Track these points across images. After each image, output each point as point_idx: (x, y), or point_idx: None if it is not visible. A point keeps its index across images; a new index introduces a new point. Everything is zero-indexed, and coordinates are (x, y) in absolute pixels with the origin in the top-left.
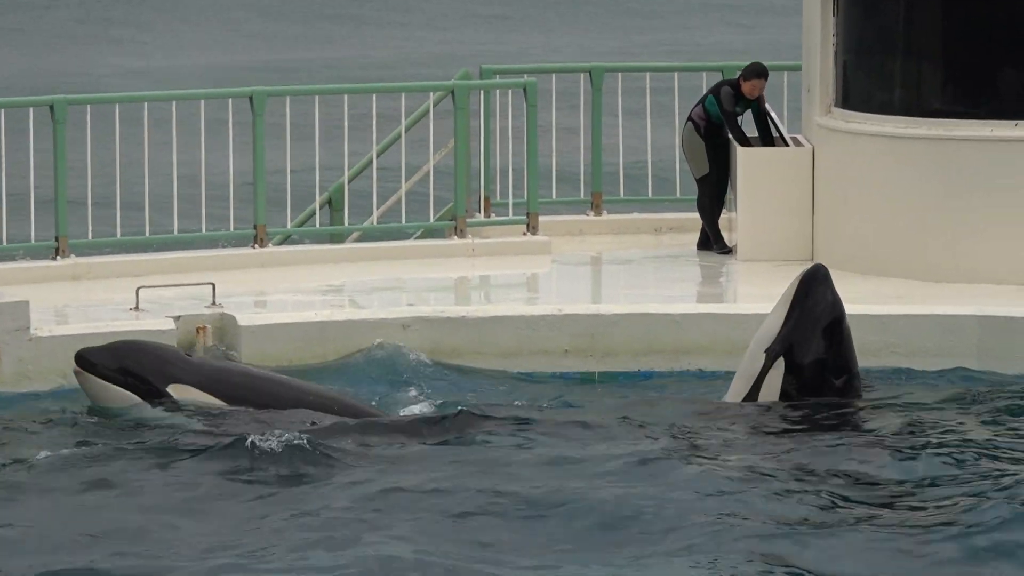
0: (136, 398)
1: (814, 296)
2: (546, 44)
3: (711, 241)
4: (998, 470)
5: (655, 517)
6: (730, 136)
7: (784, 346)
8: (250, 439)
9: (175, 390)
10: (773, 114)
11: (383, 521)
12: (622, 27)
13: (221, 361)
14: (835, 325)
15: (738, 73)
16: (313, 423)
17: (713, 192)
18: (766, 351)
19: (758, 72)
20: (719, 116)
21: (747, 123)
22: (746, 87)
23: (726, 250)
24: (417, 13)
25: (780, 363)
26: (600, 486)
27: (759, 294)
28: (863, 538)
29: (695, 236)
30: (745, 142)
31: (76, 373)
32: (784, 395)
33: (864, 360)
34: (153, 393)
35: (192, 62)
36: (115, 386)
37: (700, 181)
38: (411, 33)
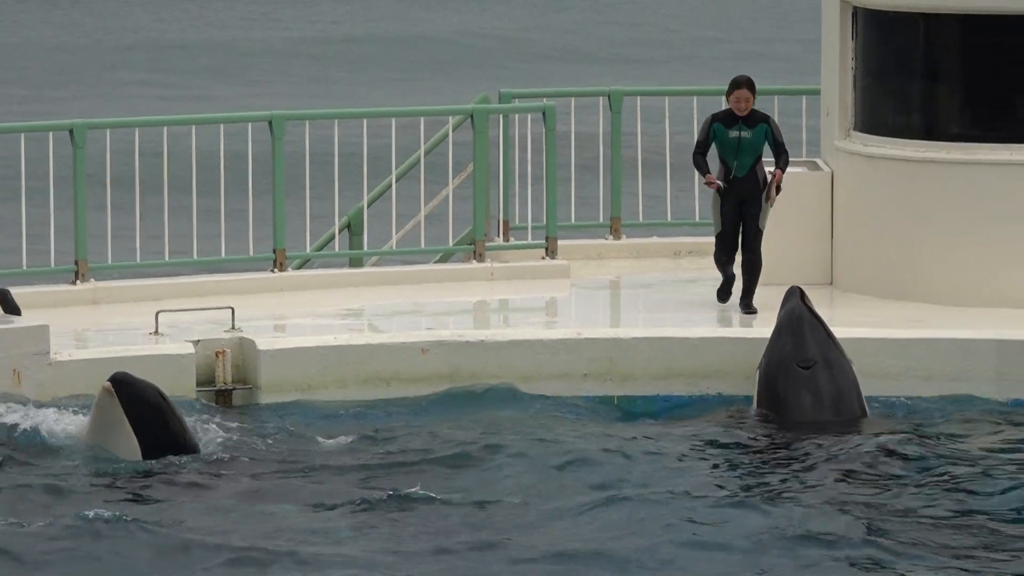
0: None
1: (782, 311)
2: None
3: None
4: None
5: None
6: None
7: (763, 359)
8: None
9: None
10: (779, 135)
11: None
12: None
13: None
14: (795, 325)
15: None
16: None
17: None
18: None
19: (734, 83)
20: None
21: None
22: (731, 103)
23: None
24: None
25: (757, 373)
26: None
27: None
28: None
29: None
30: (701, 172)
31: (106, 392)
32: (759, 397)
33: (882, 384)
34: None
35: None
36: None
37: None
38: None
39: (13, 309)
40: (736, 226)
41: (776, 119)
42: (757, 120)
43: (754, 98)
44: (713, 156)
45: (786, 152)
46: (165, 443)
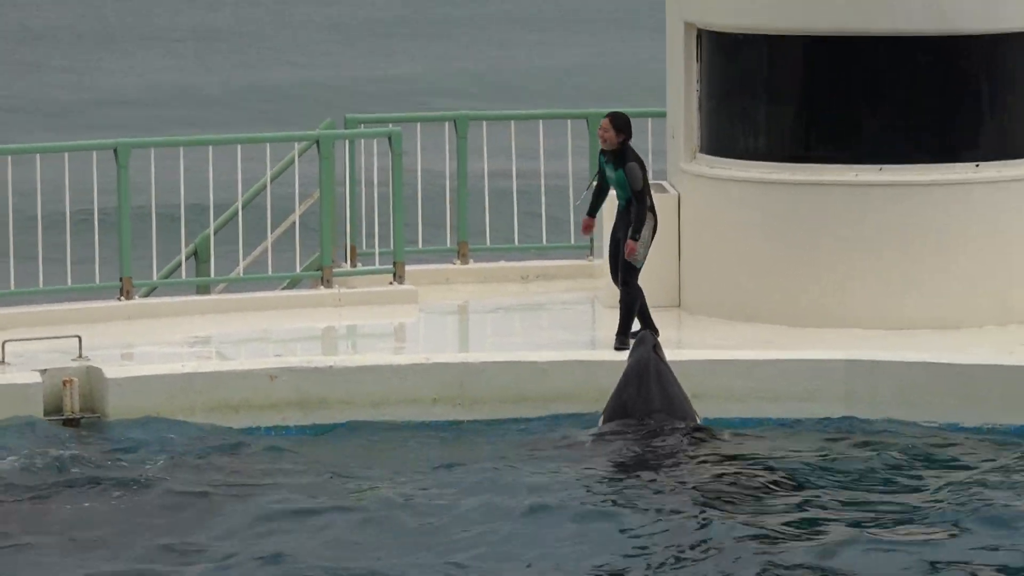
0: None
1: (632, 358)
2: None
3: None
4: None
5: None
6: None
7: (607, 407)
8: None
9: None
10: (634, 184)
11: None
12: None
13: None
14: (643, 376)
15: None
16: None
17: None
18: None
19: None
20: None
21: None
22: None
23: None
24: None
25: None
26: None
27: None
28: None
29: (561, 283)
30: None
31: None
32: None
33: (731, 406)
34: None
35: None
36: None
37: None
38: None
39: None
40: (614, 256)
41: None
42: (624, 161)
43: (616, 134)
44: None
45: (641, 208)
46: None
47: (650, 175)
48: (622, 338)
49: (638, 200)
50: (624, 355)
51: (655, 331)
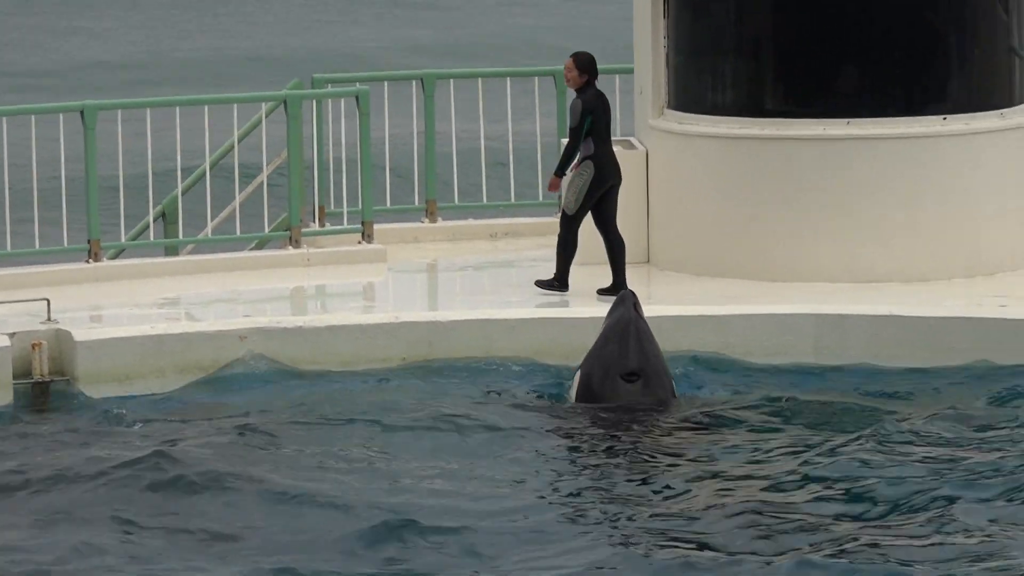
0: None
1: (612, 316)
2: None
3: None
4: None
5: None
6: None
7: (584, 364)
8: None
9: None
10: (570, 120)
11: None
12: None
13: None
14: (623, 334)
15: None
16: None
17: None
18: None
19: None
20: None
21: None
22: None
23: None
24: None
25: (577, 375)
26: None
27: (595, 298)
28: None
29: (530, 240)
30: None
31: None
32: (576, 400)
33: (701, 360)
34: None
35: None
36: None
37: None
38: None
39: None
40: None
41: None
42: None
43: (580, 74)
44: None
45: (570, 146)
46: None
47: (618, 132)
48: (543, 281)
49: (570, 136)
50: (601, 310)
51: (565, 285)
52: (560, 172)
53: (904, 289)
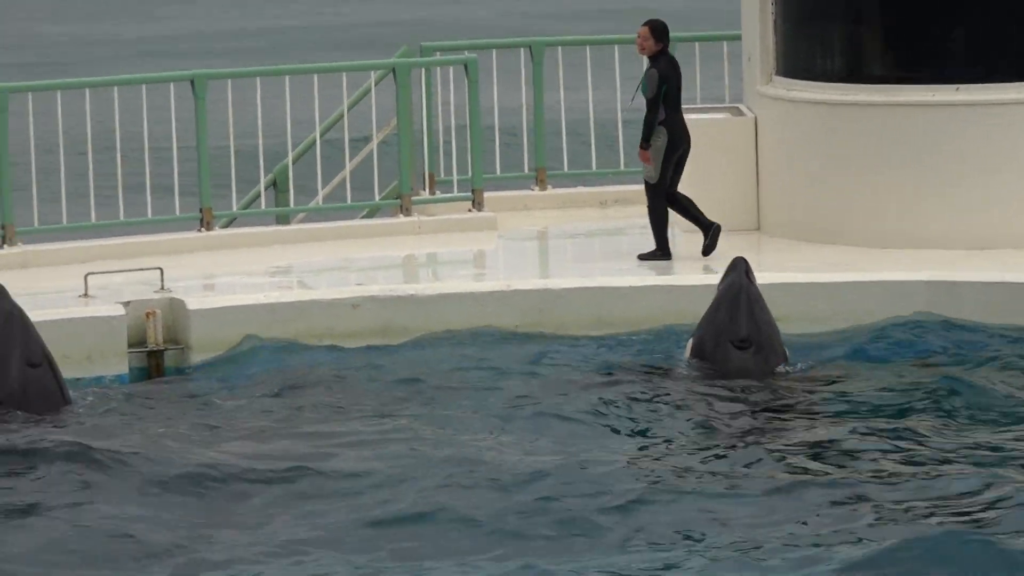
0: None
1: (725, 283)
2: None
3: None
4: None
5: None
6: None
7: (697, 329)
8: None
9: None
10: (646, 91)
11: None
12: None
13: None
14: (735, 301)
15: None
16: None
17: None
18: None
19: None
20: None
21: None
22: None
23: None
24: None
25: (690, 341)
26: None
27: (706, 265)
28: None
29: (639, 208)
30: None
31: None
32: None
33: (812, 327)
34: None
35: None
36: None
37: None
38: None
39: None
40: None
41: (697, 66)
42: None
43: (655, 42)
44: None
45: (649, 116)
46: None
47: (726, 100)
48: (645, 254)
49: (649, 107)
50: (713, 277)
51: (667, 253)
52: (645, 144)
53: (1016, 255)
